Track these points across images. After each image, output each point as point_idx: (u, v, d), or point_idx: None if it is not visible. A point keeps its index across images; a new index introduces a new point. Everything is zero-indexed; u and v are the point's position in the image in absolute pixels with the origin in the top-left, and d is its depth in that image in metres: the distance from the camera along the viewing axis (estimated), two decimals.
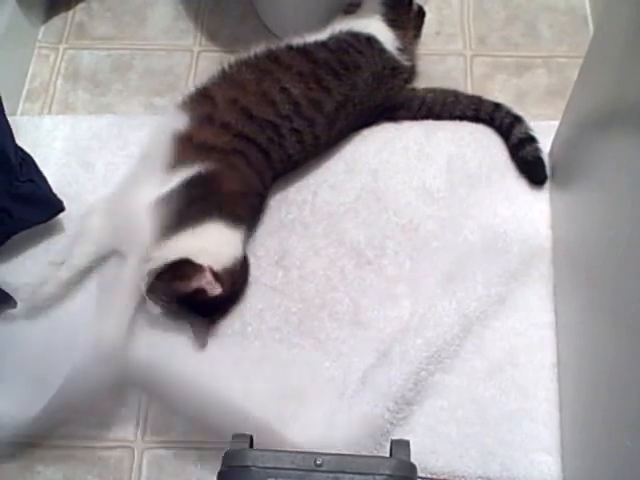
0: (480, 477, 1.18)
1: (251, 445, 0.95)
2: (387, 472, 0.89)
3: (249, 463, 0.90)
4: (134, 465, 1.19)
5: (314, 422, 1.19)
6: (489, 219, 1.37)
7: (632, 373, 0.90)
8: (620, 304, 0.97)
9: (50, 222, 1.32)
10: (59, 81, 1.56)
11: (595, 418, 1.05)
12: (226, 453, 0.93)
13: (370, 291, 1.31)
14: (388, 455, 0.96)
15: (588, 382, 1.11)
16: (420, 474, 1.17)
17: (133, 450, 1.20)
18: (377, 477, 0.89)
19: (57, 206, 1.31)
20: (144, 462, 1.20)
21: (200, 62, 1.57)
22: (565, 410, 1.20)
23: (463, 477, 1.18)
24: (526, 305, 1.30)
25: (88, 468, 1.19)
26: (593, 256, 1.13)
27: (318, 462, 0.90)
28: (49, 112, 1.52)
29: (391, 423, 1.19)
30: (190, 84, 1.52)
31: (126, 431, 1.22)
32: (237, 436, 0.95)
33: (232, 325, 1.28)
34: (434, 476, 1.18)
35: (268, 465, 0.89)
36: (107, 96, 1.54)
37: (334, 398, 1.21)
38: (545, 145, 1.40)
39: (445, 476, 1.18)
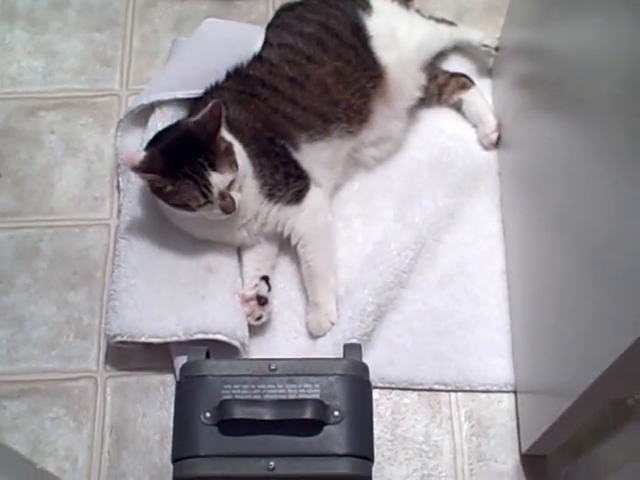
0: (437, 383, 1.22)
1: (207, 357, 0.97)
2: (339, 372, 0.92)
3: (205, 372, 0.92)
4: (98, 393, 1.21)
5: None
6: (435, 136, 1.39)
7: (577, 275, 0.93)
8: (563, 208, 1.00)
9: None
10: None
11: (543, 320, 1.09)
12: (183, 365, 0.95)
13: None
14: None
15: (536, 287, 1.14)
16: (378, 384, 1.21)
17: (96, 379, 1.22)
18: (330, 377, 0.91)
19: None
20: (108, 390, 1.21)
21: None
22: (515, 315, 1.24)
23: (421, 384, 1.22)
24: (474, 217, 1.33)
25: (53, 399, 1.21)
26: (536, 162, 1.15)
27: (272, 367, 0.92)
28: None
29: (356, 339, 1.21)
30: (129, 18, 1.50)
31: (88, 362, 1.23)
32: (194, 349, 0.97)
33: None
34: (392, 385, 1.22)
35: (224, 373, 0.92)
36: (45, 35, 1.51)
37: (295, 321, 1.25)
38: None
39: (404, 384, 1.22)
